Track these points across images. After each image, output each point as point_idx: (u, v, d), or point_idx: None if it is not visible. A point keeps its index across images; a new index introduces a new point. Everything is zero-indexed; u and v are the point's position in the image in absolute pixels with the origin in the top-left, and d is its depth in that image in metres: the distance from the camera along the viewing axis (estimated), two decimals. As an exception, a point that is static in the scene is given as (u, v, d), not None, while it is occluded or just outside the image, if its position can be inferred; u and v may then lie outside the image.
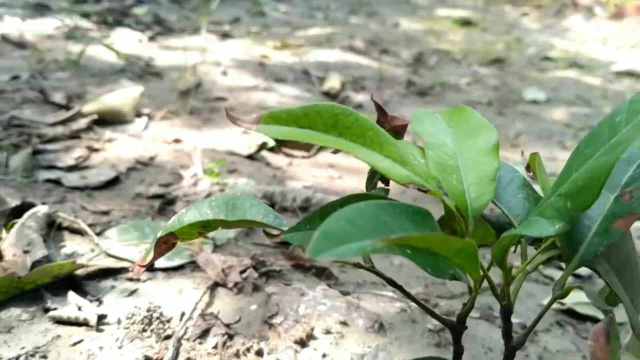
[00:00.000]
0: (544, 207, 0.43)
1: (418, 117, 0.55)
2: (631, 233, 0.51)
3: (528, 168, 0.55)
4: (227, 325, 0.89)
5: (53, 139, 1.46)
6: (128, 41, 2.51)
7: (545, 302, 1.09)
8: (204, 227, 0.53)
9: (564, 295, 0.47)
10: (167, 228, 0.54)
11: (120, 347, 0.81)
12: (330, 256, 0.33)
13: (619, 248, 0.48)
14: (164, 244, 0.54)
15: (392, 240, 0.36)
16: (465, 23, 4.21)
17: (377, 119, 0.57)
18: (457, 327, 0.52)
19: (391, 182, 0.53)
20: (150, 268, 1.01)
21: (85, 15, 2.80)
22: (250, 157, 1.56)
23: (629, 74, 3.12)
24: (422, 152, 0.51)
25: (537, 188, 0.55)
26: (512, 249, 0.49)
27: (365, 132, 0.47)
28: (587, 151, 0.43)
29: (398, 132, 0.58)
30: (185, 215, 0.54)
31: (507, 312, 0.49)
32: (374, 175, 0.55)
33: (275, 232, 0.53)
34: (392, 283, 0.51)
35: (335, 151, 0.55)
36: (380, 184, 0.58)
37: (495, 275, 0.60)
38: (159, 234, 0.54)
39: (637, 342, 0.41)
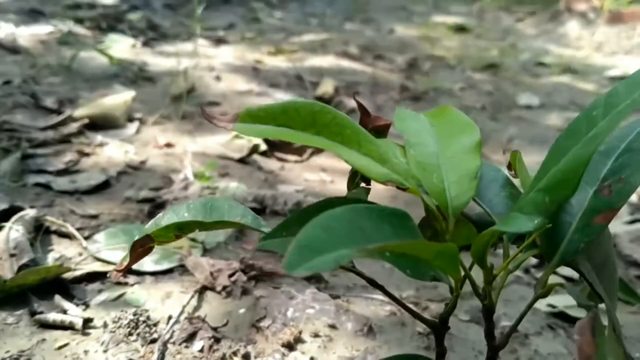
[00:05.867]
0: (524, 203, 0.42)
1: (401, 116, 0.54)
2: (610, 233, 0.50)
3: (509, 166, 0.54)
4: (215, 329, 0.88)
5: (43, 143, 1.45)
6: (121, 46, 2.50)
7: (537, 306, 1.09)
8: (180, 229, 0.52)
9: (546, 294, 0.46)
10: (144, 231, 0.53)
11: (105, 351, 0.81)
12: (306, 269, 0.32)
13: (598, 248, 0.47)
14: (141, 247, 0.53)
15: (370, 250, 0.36)
16: (460, 29, 4.21)
17: (360, 119, 0.56)
18: (439, 328, 0.51)
19: (381, 186, 0.53)
20: (139, 272, 1.01)
21: (79, 21, 2.79)
22: (242, 160, 1.55)
23: (623, 79, 3.12)
24: (404, 151, 0.51)
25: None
26: (494, 249, 0.49)
27: (343, 130, 0.46)
28: (565, 145, 0.42)
29: (381, 132, 0.58)
30: (163, 219, 0.53)
31: (489, 311, 0.48)
32: (356, 175, 0.54)
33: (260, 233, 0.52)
34: (372, 283, 0.51)
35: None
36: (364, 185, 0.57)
37: (480, 276, 0.59)
38: (136, 238, 0.53)
39: (615, 342, 0.41)
